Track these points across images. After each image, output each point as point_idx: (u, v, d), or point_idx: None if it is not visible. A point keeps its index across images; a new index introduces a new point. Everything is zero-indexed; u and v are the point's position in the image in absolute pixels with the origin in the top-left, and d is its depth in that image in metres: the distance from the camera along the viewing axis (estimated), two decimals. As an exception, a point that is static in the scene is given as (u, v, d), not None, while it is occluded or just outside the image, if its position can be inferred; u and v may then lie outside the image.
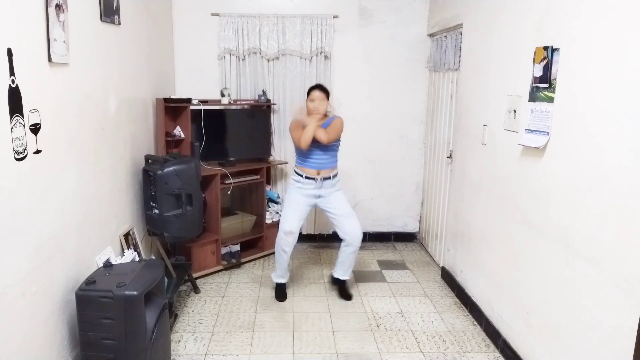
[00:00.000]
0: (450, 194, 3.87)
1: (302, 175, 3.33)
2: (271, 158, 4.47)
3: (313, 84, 4.33)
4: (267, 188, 4.40)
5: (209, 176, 3.83)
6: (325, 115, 3.34)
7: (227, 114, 4.17)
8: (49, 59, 2.02)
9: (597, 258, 1.97)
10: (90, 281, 2.17)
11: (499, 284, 2.89)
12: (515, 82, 2.69)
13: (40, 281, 1.99)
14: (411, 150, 4.66)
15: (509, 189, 2.77)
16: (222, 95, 4.09)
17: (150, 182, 3.13)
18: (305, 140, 3.15)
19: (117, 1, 2.81)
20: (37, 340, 1.98)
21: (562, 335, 2.23)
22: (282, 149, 4.52)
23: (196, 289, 3.62)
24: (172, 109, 3.72)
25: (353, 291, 3.65)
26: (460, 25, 3.60)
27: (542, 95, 2.39)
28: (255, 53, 4.32)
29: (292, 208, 3.37)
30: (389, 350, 2.88)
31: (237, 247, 4.09)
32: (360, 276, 3.97)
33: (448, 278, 3.79)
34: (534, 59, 2.46)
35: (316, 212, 4.42)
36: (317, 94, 3.29)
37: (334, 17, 4.33)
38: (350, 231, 3.38)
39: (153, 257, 3.43)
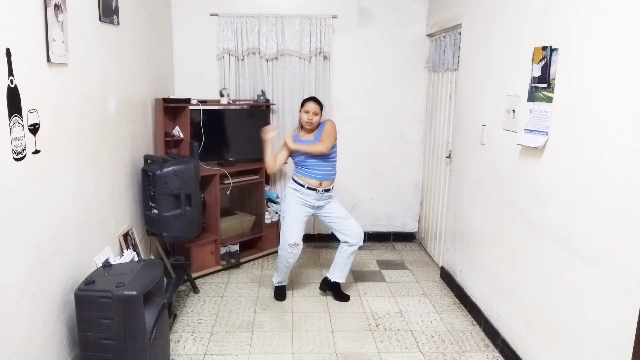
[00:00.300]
0: (449, 193, 3.88)
1: (303, 186, 3.29)
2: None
3: (312, 84, 4.39)
4: (266, 188, 4.40)
5: (208, 176, 3.83)
6: (316, 127, 3.31)
7: (226, 114, 4.17)
8: (48, 59, 2.02)
9: (596, 258, 1.98)
10: (89, 281, 2.17)
11: (498, 284, 2.89)
12: (514, 82, 2.69)
13: (39, 281, 1.99)
14: (410, 151, 4.67)
15: (508, 188, 2.77)
16: (221, 95, 4.09)
17: (150, 182, 3.13)
18: (267, 166, 3.30)
19: (116, 1, 2.81)
20: (37, 341, 1.98)
21: (561, 334, 2.23)
22: (282, 149, 4.52)
23: (195, 289, 3.61)
24: (171, 109, 3.72)
25: (352, 291, 3.65)
26: (459, 26, 3.60)
27: (541, 95, 2.39)
28: (254, 53, 4.31)
29: (294, 219, 3.33)
30: (388, 350, 2.88)
31: (236, 247, 4.09)
32: (360, 276, 3.97)
33: (447, 278, 3.79)
34: (532, 59, 2.46)
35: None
36: (311, 105, 3.26)
37: (333, 17, 4.33)
38: (353, 230, 3.38)
39: (152, 257, 3.42)
